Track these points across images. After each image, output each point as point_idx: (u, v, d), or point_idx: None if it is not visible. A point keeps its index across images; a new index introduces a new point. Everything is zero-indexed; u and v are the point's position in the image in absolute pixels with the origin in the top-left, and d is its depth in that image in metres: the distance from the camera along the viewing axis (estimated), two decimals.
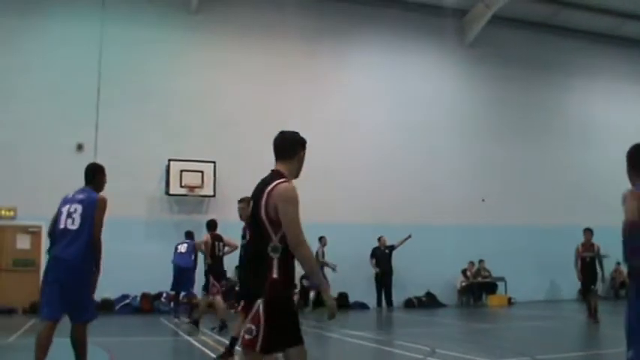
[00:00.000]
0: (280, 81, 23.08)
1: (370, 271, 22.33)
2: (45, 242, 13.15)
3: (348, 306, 22.15)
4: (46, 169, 19.79)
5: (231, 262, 15.34)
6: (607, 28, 27.87)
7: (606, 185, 26.47)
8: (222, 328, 14.47)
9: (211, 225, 15.44)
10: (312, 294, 20.82)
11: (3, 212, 19.75)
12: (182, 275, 17.03)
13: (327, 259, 21.23)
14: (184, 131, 21.64)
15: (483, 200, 24.32)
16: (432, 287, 23.23)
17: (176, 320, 16.68)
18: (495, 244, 23.49)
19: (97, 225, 7.64)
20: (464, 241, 22.96)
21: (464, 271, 23.79)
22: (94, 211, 7.68)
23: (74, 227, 7.59)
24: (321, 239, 21.28)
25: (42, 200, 19.20)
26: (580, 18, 26.85)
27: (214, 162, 21.16)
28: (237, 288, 15.78)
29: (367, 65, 24.52)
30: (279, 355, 5.12)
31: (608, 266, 25.56)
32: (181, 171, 20.87)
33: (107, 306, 19.69)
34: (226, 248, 15.32)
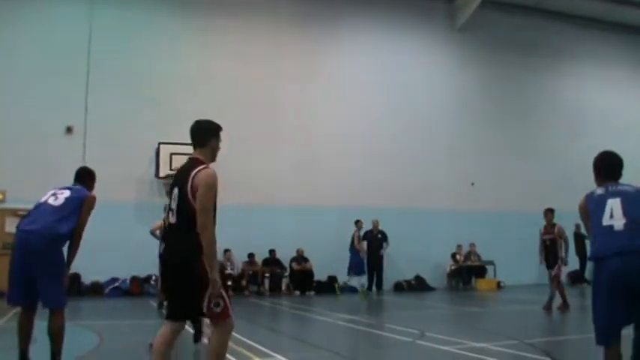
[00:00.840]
0: (271, 65, 23.08)
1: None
2: None
3: (339, 289, 22.22)
4: (36, 151, 19.76)
5: None
6: (598, 12, 27.91)
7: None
8: None
9: None
10: (361, 280, 21.17)
11: None
12: None
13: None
14: (175, 114, 21.50)
15: (473, 184, 24.39)
16: (421, 271, 23.33)
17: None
18: (485, 228, 23.58)
19: (81, 221, 7.37)
20: (454, 225, 23.03)
21: (453, 255, 23.87)
22: (80, 204, 7.44)
23: (55, 203, 7.38)
24: (357, 223, 21.40)
25: (31, 183, 19.15)
26: (571, 2, 26.88)
27: None
28: None
29: (358, 49, 24.52)
30: None
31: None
32: (171, 154, 20.79)
33: (97, 289, 19.72)
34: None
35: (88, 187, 7.96)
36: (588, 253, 6.95)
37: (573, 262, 25.52)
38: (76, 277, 18.69)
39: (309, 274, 22.02)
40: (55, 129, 20.39)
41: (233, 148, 21.63)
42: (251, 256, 21.54)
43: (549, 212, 16.92)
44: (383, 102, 24.27)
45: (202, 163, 5.99)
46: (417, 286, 23.08)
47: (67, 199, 7.46)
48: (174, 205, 5.78)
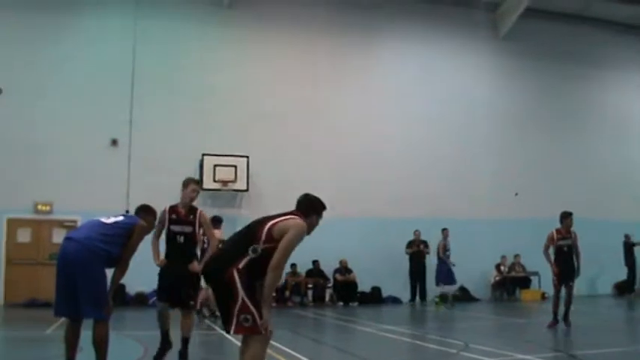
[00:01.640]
0: (311, 76, 23.16)
1: (404, 266, 22.30)
2: None
3: (382, 300, 22.18)
4: (81, 164, 20.08)
5: None
6: None
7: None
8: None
9: (216, 220, 16.22)
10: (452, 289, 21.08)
11: (39, 207, 20.04)
12: None
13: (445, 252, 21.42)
14: (218, 126, 21.76)
15: (516, 194, 24.17)
16: (465, 282, 23.13)
17: (210, 313, 16.78)
18: (529, 238, 23.27)
19: (129, 247, 7.42)
20: (497, 236, 22.84)
21: (497, 266, 23.68)
22: (129, 230, 7.46)
23: (105, 221, 7.47)
24: (443, 231, 21.21)
25: (77, 195, 19.57)
26: (614, 9, 26.52)
27: (247, 156, 21.26)
28: None
29: (399, 59, 24.49)
30: None
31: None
32: (215, 166, 21.00)
33: (141, 299, 19.89)
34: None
35: (145, 219, 7.98)
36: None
37: (620, 273, 25.27)
38: (121, 287, 18.90)
39: (352, 285, 21.99)
40: (101, 141, 20.68)
41: (277, 159, 21.88)
42: (294, 266, 21.56)
43: (569, 217, 15.37)
44: (424, 112, 24.17)
45: (299, 216, 6.26)
46: (461, 297, 22.91)
47: (117, 221, 7.54)
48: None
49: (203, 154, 20.99)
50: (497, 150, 24.80)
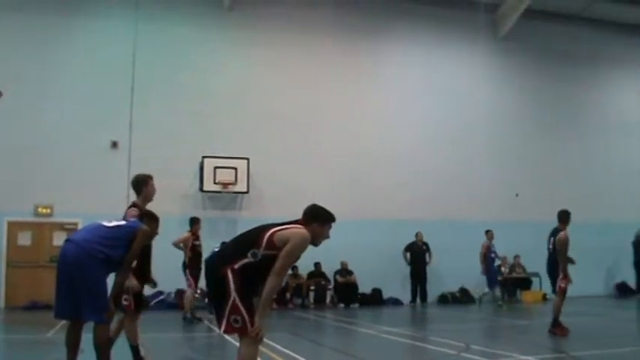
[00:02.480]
0: (315, 78, 23.14)
1: (404, 267, 22.32)
2: None
3: (382, 302, 22.19)
4: (82, 166, 20.09)
5: None
6: None
7: None
8: (192, 320, 15.68)
9: (194, 221, 16.34)
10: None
11: (40, 209, 20.05)
12: None
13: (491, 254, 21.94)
14: (218, 128, 21.75)
15: (517, 195, 24.15)
16: (465, 283, 23.14)
17: (211, 316, 16.78)
18: (530, 239, 23.24)
19: (132, 252, 7.39)
20: (498, 237, 22.78)
21: (498, 267, 23.67)
22: (131, 234, 7.42)
23: (106, 224, 7.46)
24: (487, 233, 21.77)
25: (78, 197, 19.58)
26: (613, 10, 26.49)
27: (248, 158, 21.26)
28: None
29: (402, 61, 24.47)
30: None
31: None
32: (215, 168, 21.00)
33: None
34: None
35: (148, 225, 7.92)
36: None
37: (620, 274, 25.32)
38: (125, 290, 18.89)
39: (353, 286, 22.00)
40: (101, 144, 20.68)
41: (278, 161, 21.89)
42: (295, 268, 21.55)
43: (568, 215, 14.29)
44: (428, 114, 24.16)
45: (303, 225, 6.28)
46: (462, 298, 22.93)
47: (119, 224, 7.55)
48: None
49: (203, 157, 21.00)
50: (497, 151, 24.78)
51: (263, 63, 22.77)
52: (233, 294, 5.70)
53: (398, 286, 22.46)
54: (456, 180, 23.78)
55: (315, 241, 6.43)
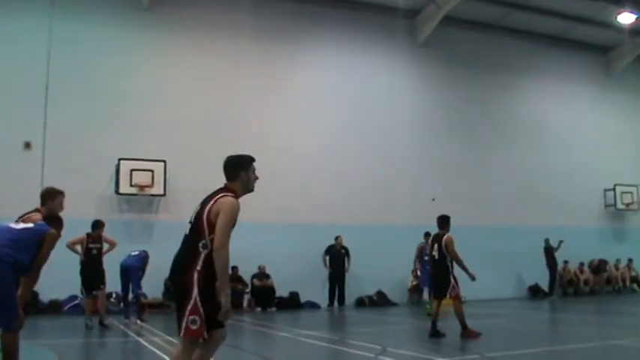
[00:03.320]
0: (232, 80, 23.04)
1: (322, 271, 22.39)
2: None
3: (300, 305, 22.21)
4: None
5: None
6: (557, 30, 28.31)
7: (557, 185, 27.05)
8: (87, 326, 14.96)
9: (94, 225, 15.85)
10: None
11: None
12: (128, 275, 16.80)
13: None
14: (135, 130, 21.45)
15: (434, 200, 24.45)
16: (382, 286, 23.35)
17: (126, 321, 16.54)
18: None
19: (41, 256, 7.15)
20: (415, 241, 23.06)
21: (413, 271, 23.92)
22: (40, 238, 7.20)
23: (14, 227, 7.27)
24: (425, 235, 19.36)
25: None
26: (531, 20, 27.21)
27: (165, 161, 21.03)
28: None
29: (319, 65, 24.59)
30: None
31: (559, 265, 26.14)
32: (132, 170, 20.71)
33: (55, 307, 19.45)
34: (106, 246, 15.74)
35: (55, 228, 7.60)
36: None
37: (533, 276, 25.92)
38: (34, 294, 18.45)
39: (270, 290, 21.96)
40: (13, 145, 20.14)
41: (195, 163, 21.68)
42: None
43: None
44: (344, 118, 24.30)
45: (231, 191, 6.26)
46: (379, 301, 23.11)
47: (27, 227, 7.33)
48: (192, 220, 6.10)
49: (119, 159, 20.68)
50: (416, 156, 25.08)
51: (180, 65, 22.57)
52: (195, 294, 5.67)
53: (315, 290, 22.51)
54: (374, 185, 23.98)
55: (250, 188, 6.57)
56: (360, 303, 22.99)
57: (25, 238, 7.11)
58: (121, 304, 18.14)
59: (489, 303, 22.72)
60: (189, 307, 5.66)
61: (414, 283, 23.64)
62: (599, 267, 27.45)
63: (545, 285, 25.85)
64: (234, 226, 6.02)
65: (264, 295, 21.84)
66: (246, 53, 23.27)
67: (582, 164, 28.07)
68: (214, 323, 5.80)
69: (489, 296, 23.87)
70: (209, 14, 23.01)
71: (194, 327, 5.66)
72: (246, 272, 21.86)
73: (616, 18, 26.40)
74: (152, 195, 21.17)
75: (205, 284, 5.72)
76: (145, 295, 18.26)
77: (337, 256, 22.49)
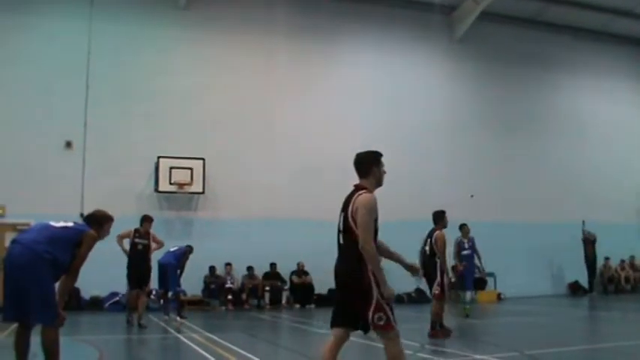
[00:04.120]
0: (268, 79, 23.14)
1: None
2: None
3: None
4: (35, 166, 19.80)
5: None
6: (596, 24, 27.99)
7: (596, 181, 26.74)
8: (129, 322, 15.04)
9: (142, 219, 15.74)
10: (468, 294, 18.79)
11: None
12: (165, 273, 16.85)
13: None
14: (174, 128, 21.63)
15: (472, 196, 24.32)
16: (422, 283, 23.27)
17: (166, 317, 16.66)
18: (485, 239, 23.44)
19: (79, 257, 7.14)
20: (452, 238, 22.99)
21: (453, 267, 23.80)
22: (78, 238, 7.20)
23: (55, 224, 7.26)
24: (462, 227, 19.05)
25: (31, 198, 19.27)
26: (568, 14, 26.97)
27: (203, 159, 21.16)
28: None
29: (356, 63, 24.54)
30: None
31: (599, 261, 25.83)
32: (171, 168, 20.88)
33: (96, 303, 19.72)
34: (153, 245, 15.57)
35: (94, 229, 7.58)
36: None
37: (573, 273, 25.64)
38: (76, 291, 18.72)
39: (309, 287, 21.99)
40: (55, 144, 20.42)
41: (229, 161, 21.80)
42: (250, 269, 21.52)
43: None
44: (381, 115, 24.26)
45: (363, 188, 6.62)
46: (418, 298, 23.04)
47: (66, 226, 7.31)
48: (341, 227, 6.54)
49: (159, 157, 20.86)
50: (453, 152, 24.98)
51: (218, 63, 22.71)
52: (376, 295, 6.10)
53: None
54: (412, 181, 23.85)
55: (381, 182, 7.00)
56: (399, 300, 22.93)
57: (63, 236, 7.15)
58: (161, 301, 18.28)
59: (528, 300, 22.55)
60: (372, 308, 6.07)
61: (453, 279, 23.53)
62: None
63: (585, 282, 25.58)
64: (376, 220, 6.39)
65: (302, 292, 21.88)
66: (282, 51, 23.35)
67: (622, 160, 27.75)
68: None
69: (527, 293, 23.71)
70: (245, 13, 23.12)
71: (382, 322, 6.12)
72: (285, 269, 21.91)
73: None
74: (191, 193, 21.31)
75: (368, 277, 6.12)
76: (184, 292, 18.43)
77: None
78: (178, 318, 16.51)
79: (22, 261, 6.83)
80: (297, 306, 21.57)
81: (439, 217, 13.77)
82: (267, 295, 21.62)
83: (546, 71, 27.20)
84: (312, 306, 21.64)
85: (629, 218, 27.17)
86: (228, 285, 21.08)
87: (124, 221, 16.37)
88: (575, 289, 25.85)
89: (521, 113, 26.66)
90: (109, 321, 17.09)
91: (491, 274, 23.80)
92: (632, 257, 27.02)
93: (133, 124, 21.17)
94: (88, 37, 21.02)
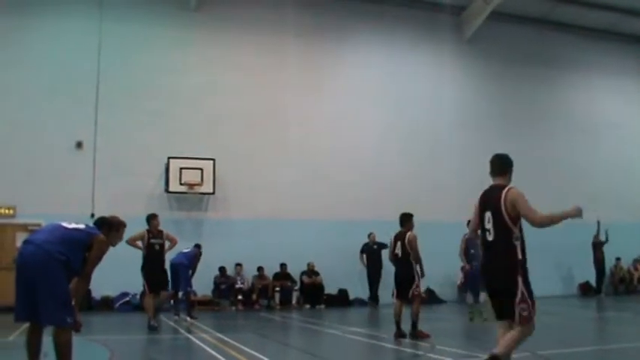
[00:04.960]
0: (277, 79, 23.14)
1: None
2: None
3: (348, 303, 22.19)
4: (46, 167, 19.86)
5: None
6: (606, 23, 27.90)
7: (606, 180, 26.63)
8: (152, 327, 14.37)
9: (148, 218, 15.32)
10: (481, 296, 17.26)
11: (2, 210, 19.77)
12: (177, 273, 16.86)
13: None
14: (184, 128, 21.65)
15: None
16: (431, 284, 23.22)
17: (176, 317, 16.69)
18: None
19: (90, 260, 7.17)
20: (430, 238, 22.98)
21: (462, 268, 23.74)
22: (88, 242, 7.21)
23: (67, 225, 7.26)
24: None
25: (41, 198, 19.34)
26: (578, 14, 26.88)
27: (214, 159, 21.17)
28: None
29: (365, 63, 24.53)
30: None
31: (608, 262, 25.72)
32: (181, 168, 20.88)
33: (107, 303, 19.76)
34: (167, 244, 15.27)
35: (104, 233, 7.59)
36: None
37: (584, 274, 25.55)
38: (87, 291, 18.75)
39: (319, 287, 21.99)
40: (65, 144, 20.47)
41: (243, 161, 21.82)
42: (260, 269, 21.53)
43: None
44: (389, 114, 24.26)
45: (505, 186, 7.16)
46: (428, 298, 22.98)
47: (78, 227, 7.31)
48: (489, 226, 6.97)
49: (169, 157, 20.87)
50: (463, 152, 24.89)
51: (228, 63, 22.72)
52: (521, 288, 6.72)
53: (364, 287, 22.49)
54: (421, 180, 23.85)
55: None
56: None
57: (75, 237, 7.15)
58: (171, 302, 18.29)
59: (538, 300, 22.43)
60: (517, 300, 6.68)
61: (462, 280, 23.48)
62: None
63: (594, 282, 25.50)
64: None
65: (313, 293, 21.87)
66: (292, 51, 23.35)
67: (633, 159, 27.65)
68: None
69: (538, 293, 23.35)
70: (255, 13, 23.13)
71: (525, 313, 6.71)
72: (295, 269, 21.91)
73: None
74: (201, 193, 21.33)
75: (525, 272, 6.79)
76: (194, 293, 18.44)
77: (372, 253, 22.31)
78: (188, 318, 16.54)
79: (35, 261, 6.84)
80: (307, 306, 21.56)
81: (407, 219, 13.56)
82: (277, 296, 21.61)
83: (556, 71, 27.11)
84: (322, 306, 21.64)
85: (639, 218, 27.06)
86: (239, 285, 21.09)
87: (135, 222, 16.38)
88: (586, 289, 25.75)
89: (531, 113, 26.59)
90: (119, 321, 17.14)
91: None
92: None
93: (144, 124, 21.20)
94: (98, 37, 21.06)
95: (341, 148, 23.22)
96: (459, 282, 23.52)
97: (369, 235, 22.39)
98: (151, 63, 21.80)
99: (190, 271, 17.37)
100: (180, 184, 20.92)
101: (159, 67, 21.82)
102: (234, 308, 20.77)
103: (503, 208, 6.80)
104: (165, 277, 15.43)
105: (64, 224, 7.31)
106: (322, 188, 22.42)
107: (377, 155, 23.67)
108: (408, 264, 12.94)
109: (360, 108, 23.98)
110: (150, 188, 21.05)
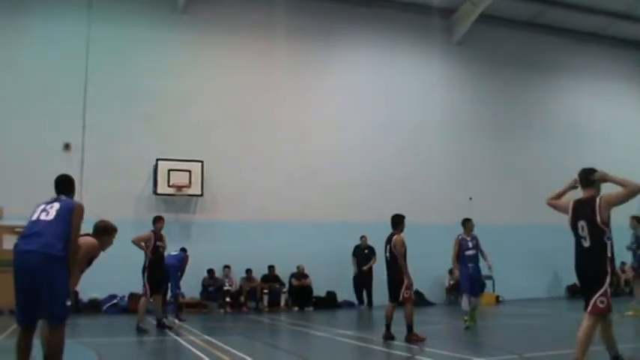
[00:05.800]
0: (268, 80, 23.14)
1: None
2: None
3: (337, 305, 22.20)
4: (33, 168, 19.71)
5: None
6: (594, 27, 28.03)
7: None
8: (141, 330, 14.35)
9: (155, 220, 15.36)
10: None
11: None
12: (168, 275, 16.81)
13: None
14: (172, 130, 21.62)
15: (470, 199, 24.32)
16: (419, 286, 23.21)
17: (164, 320, 16.62)
18: (483, 242, 23.49)
19: (73, 230, 7.24)
20: (451, 240, 22.99)
21: (451, 270, 23.80)
22: (71, 213, 7.31)
23: (48, 218, 7.28)
24: (465, 223, 17.35)
25: (29, 200, 18.91)
26: (567, 17, 26.97)
27: (202, 161, 21.15)
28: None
29: (354, 65, 24.57)
30: None
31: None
32: (169, 170, 20.86)
33: (95, 306, 19.68)
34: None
35: (72, 195, 7.93)
36: None
37: (571, 276, 25.58)
38: (74, 293, 18.67)
39: (307, 289, 21.98)
40: (53, 146, 20.39)
41: (228, 163, 21.80)
42: (249, 271, 21.51)
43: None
44: (379, 117, 24.28)
45: (594, 197, 8.21)
46: (417, 301, 22.98)
47: (57, 212, 7.35)
48: (584, 234, 8.03)
49: (157, 159, 20.83)
50: (451, 155, 24.98)
51: (216, 65, 22.72)
52: (607, 282, 7.60)
53: (352, 289, 22.52)
54: (409, 183, 23.92)
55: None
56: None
57: (63, 224, 7.24)
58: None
59: (526, 302, 22.56)
60: (600, 291, 7.53)
61: (451, 282, 23.54)
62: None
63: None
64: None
65: (301, 295, 21.87)
66: (282, 53, 23.35)
67: (622, 162, 27.62)
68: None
69: (526, 295, 23.72)
70: (243, 15, 23.13)
71: (602, 305, 7.53)
72: (284, 271, 21.90)
73: None
74: (190, 195, 21.31)
75: (613, 269, 7.66)
76: (182, 295, 18.41)
77: (362, 257, 22.35)
78: (177, 320, 16.51)
79: (41, 269, 6.91)
80: (296, 308, 21.57)
81: (399, 221, 13.51)
82: (265, 298, 21.61)
83: (545, 74, 27.20)
84: (311, 308, 21.65)
85: (628, 221, 27.11)
86: (227, 287, 21.06)
87: (123, 223, 16.30)
88: (573, 291, 25.80)
89: (520, 115, 26.68)
90: (107, 323, 17.08)
91: (489, 277, 23.76)
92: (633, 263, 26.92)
93: (132, 126, 21.15)
94: (86, 39, 21.01)
95: (330, 150, 23.23)
96: (447, 284, 23.67)
97: (360, 239, 22.42)
98: (139, 65, 21.76)
99: (179, 273, 17.38)
100: (169, 186, 20.89)
101: (147, 69, 21.78)
102: (222, 310, 20.75)
103: (598, 217, 7.81)
104: (166, 280, 15.52)
105: (43, 218, 7.27)
106: (311, 190, 22.43)
107: (366, 157, 23.69)
108: (396, 266, 12.87)
109: (350, 110, 24.01)
110: (138, 190, 21.02)
